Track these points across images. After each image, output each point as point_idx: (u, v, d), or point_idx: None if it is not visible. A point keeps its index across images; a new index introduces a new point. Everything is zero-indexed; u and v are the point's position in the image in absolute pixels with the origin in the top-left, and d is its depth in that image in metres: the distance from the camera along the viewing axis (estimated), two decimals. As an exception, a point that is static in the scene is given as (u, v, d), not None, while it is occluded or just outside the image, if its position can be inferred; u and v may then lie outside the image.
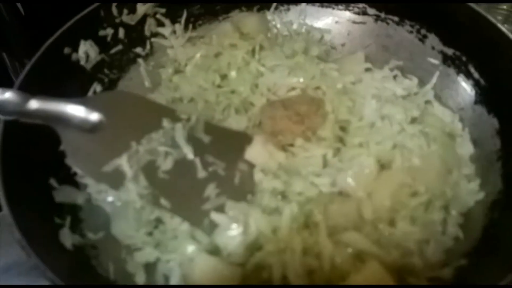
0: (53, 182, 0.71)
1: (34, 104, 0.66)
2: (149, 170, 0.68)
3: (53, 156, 0.71)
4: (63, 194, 0.71)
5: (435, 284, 0.61)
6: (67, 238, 0.65)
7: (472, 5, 0.82)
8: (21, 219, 0.58)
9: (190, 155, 0.72)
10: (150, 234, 0.69)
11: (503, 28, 0.78)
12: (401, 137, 0.76)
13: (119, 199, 0.72)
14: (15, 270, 0.74)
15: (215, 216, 0.67)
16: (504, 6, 1.15)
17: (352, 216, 0.66)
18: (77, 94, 0.80)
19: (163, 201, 0.67)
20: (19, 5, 1.01)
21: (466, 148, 0.77)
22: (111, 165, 0.66)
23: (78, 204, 0.72)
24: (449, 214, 0.69)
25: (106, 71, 0.89)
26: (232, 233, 0.65)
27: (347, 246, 0.63)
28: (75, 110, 0.69)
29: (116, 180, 0.66)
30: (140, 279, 0.65)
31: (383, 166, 0.73)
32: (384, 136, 0.76)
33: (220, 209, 0.68)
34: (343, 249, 0.63)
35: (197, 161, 0.72)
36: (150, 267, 0.67)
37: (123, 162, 0.67)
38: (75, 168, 0.66)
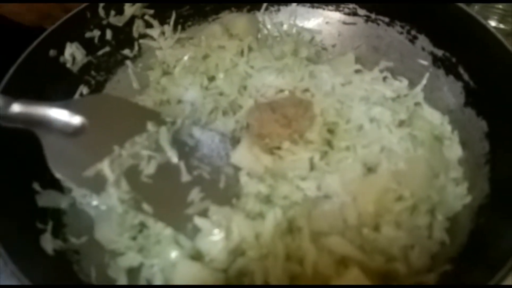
0: (36, 186, 0.70)
1: (16, 108, 0.66)
2: (132, 174, 0.68)
3: (37, 160, 0.70)
4: (46, 199, 0.70)
5: (436, 284, 0.60)
6: (48, 243, 0.64)
7: (463, 6, 0.81)
8: (0, 225, 0.58)
9: (174, 158, 0.72)
10: (133, 238, 0.69)
11: (494, 30, 0.77)
12: (388, 140, 0.75)
13: (103, 203, 0.71)
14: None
15: (198, 221, 0.66)
16: (500, 6, 1.14)
17: (336, 221, 0.65)
18: (63, 96, 0.80)
19: (145, 206, 0.66)
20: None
21: (454, 151, 0.76)
22: (93, 170, 0.66)
23: (62, 209, 0.71)
24: (435, 219, 0.68)
25: (93, 73, 0.88)
26: (215, 238, 0.64)
27: (330, 251, 0.63)
28: (58, 114, 0.69)
29: (97, 184, 0.66)
30: (122, 283, 0.65)
31: (369, 169, 0.73)
32: (372, 139, 0.76)
33: (204, 213, 0.68)
34: (327, 254, 0.63)
35: (182, 165, 0.72)
36: (132, 272, 0.66)
37: (104, 167, 0.66)
38: (55, 173, 0.65)
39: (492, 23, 1.14)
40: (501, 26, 1.13)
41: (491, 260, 0.58)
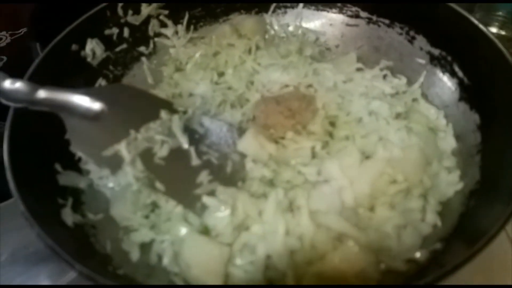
0: (57, 166, 0.76)
1: (42, 93, 0.72)
2: (146, 156, 0.73)
3: (59, 143, 0.76)
4: (66, 178, 0.76)
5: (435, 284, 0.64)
6: (69, 217, 0.70)
7: (458, 8, 0.86)
8: (26, 195, 0.63)
9: (185, 144, 0.77)
10: (146, 217, 0.74)
11: (486, 30, 0.81)
12: (386, 131, 0.80)
13: (119, 184, 0.77)
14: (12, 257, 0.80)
15: (206, 199, 0.71)
16: (500, 13, 1.19)
17: (334, 201, 0.70)
18: (83, 87, 0.86)
19: (158, 185, 0.72)
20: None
21: (448, 143, 0.81)
22: (111, 150, 0.72)
23: (80, 188, 0.77)
24: (428, 203, 0.72)
25: (111, 67, 0.95)
26: (221, 214, 0.69)
27: (327, 228, 0.67)
28: (80, 100, 0.74)
29: (115, 163, 0.71)
30: (135, 256, 0.70)
31: (367, 157, 0.77)
32: (370, 130, 0.80)
33: (212, 193, 0.73)
34: (324, 231, 0.67)
35: (192, 150, 0.77)
36: (144, 246, 0.71)
37: (122, 148, 0.72)
38: (78, 152, 0.71)
39: (493, 30, 1.20)
40: (502, 32, 1.18)
41: (475, 238, 0.61)
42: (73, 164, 0.78)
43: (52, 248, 0.57)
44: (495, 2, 1.16)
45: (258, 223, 0.68)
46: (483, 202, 0.70)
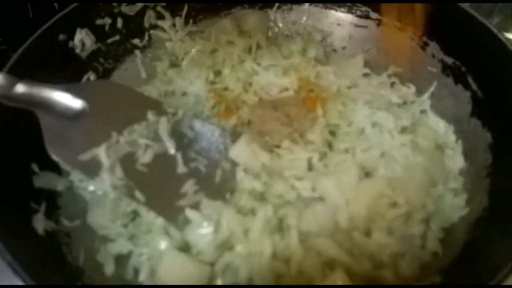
0: (34, 167, 0.71)
1: (20, 88, 0.67)
2: (127, 161, 0.68)
3: (38, 141, 0.71)
4: (43, 180, 0.71)
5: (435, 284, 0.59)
6: (40, 223, 0.65)
7: (476, 14, 0.79)
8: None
9: (171, 149, 0.72)
10: (125, 226, 0.70)
11: (506, 41, 0.75)
12: (389, 146, 0.74)
13: (100, 188, 0.72)
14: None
15: (189, 213, 0.66)
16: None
17: (327, 222, 0.65)
18: (69, 81, 0.80)
19: (137, 194, 0.67)
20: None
21: (456, 161, 0.75)
22: (89, 154, 0.67)
23: (57, 191, 0.72)
24: (429, 228, 0.67)
25: (101, 60, 0.89)
26: (203, 231, 0.65)
27: (318, 252, 0.62)
28: (60, 97, 0.70)
29: (92, 169, 0.67)
30: (109, 270, 0.65)
31: (367, 174, 0.72)
32: (372, 143, 0.75)
33: (196, 205, 0.68)
34: (314, 255, 0.62)
35: (179, 156, 0.72)
36: (121, 259, 0.67)
37: (100, 152, 0.67)
38: (51, 154, 0.66)
39: (511, 36, 1.13)
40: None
41: (481, 274, 0.56)
42: (52, 164, 0.73)
43: (13, 268, 0.52)
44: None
45: (243, 242, 0.63)
46: (491, 232, 0.64)
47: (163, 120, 0.74)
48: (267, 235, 0.63)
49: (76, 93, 0.70)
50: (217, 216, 0.65)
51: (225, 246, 0.64)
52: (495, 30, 0.76)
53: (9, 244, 0.54)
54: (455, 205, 0.70)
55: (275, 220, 0.65)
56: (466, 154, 0.76)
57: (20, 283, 0.70)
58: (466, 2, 0.79)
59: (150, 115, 0.74)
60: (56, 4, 1.00)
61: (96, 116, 0.70)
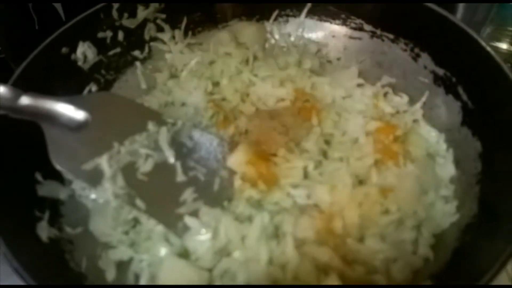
0: (38, 176, 0.73)
1: (25, 100, 0.69)
2: (129, 171, 0.70)
3: (42, 151, 0.73)
4: (46, 189, 0.73)
5: (436, 284, 0.60)
6: (44, 231, 0.67)
7: (466, 28, 0.81)
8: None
9: (171, 158, 0.74)
10: (126, 233, 0.71)
11: (494, 53, 0.77)
12: (382, 155, 0.76)
13: (102, 196, 0.74)
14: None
15: (188, 220, 0.68)
16: (504, 46, 1.15)
17: (322, 230, 0.67)
18: (72, 93, 0.83)
19: (138, 202, 0.68)
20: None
21: (447, 169, 0.77)
22: (91, 164, 0.69)
23: (60, 199, 0.74)
24: (421, 235, 0.69)
25: (103, 72, 0.91)
26: (202, 238, 0.67)
27: (313, 259, 0.64)
28: (64, 109, 0.72)
29: (94, 178, 0.68)
30: (111, 275, 0.67)
31: (360, 182, 0.74)
32: (365, 152, 0.77)
33: (195, 213, 0.70)
34: (309, 261, 0.64)
35: (178, 165, 0.74)
36: (122, 266, 0.69)
37: (103, 162, 0.69)
38: (55, 165, 0.68)
39: (504, 46, 1.15)
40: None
41: (469, 278, 0.58)
42: (55, 174, 0.75)
43: (19, 273, 0.54)
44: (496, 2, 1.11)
45: (240, 249, 0.65)
46: (480, 237, 0.66)
47: (163, 130, 0.76)
48: (263, 241, 0.65)
49: (79, 105, 0.72)
50: (215, 223, 0.67)
51: (223, 252, 0.66)
52: (483, 43, 0.78)
53: (15, 250, 0.56)
54: (446, 212, 0.72)
55: (271, 227, 0.67)
56: (457, 163, 0.78)
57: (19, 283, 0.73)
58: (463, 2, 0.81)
59: (151, 126, 0.76)
60: (61, 12, 1.03)
61: (98, 127, 0.72)
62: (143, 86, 0.95)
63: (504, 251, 0.57)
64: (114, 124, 0.74)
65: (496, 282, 0.56)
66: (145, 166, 0.71)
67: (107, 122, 0.73)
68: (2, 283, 0.72)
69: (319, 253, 0.64)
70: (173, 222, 0.69)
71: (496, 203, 0.68)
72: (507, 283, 0.74)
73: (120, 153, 0.71)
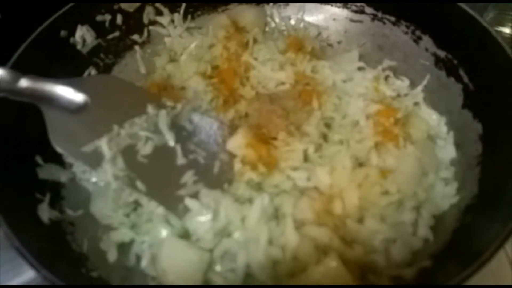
0: (38, 159, 0.73)
1: (24, 82, 0.69)
2: (128, 153, 0.70)
3: (41, 134, 0.73)
4: (47, 172, 0.73)
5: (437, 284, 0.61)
6: (45, 213, 0.67)
7: (468, 9, 0.81)
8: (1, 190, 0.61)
9: (171, 141, 0.74)
10: (127, 215, 0.72)
11: (496, 35, 0.77)
12: (382, 137, 0.76)
13: (102, 179, 0.74)
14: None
15: (188, 202, 0.68)
16: (507, 31, 1.13)
17: (321, 211, 0.67)
18: (71, 76, 0.82)
19: (139, 184, 0.69)
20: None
21: (447, 152, 0.77)
22: (91, 146, 0.69)
23: (61, 182, 0.74)
24: (420, 216, 0.69)
25: (102, 56, 0.91)
26: (202, 219, 0.67)
27: (312, 239, 0.64)
28: (63, 91, 0.71)
29: (94, 160, 0.68)
30: (112, 256, 0.68)
31: (360, 164, 0.74)
32: (366, 135, 0.77)
33: (195, 195, 0.70)
34: (308, 242, 0.64)
35: (178, 148, 0.74)
36: (123, 247, 0.69)
37: (102, 144, 0.69)
38: (55, 146, 0.68)
39: (507, 30, 1.14)
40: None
41: (471, 259, 0.58)
42: (55, 157, 0.75)
43: (19, 251, 0.54)
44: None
45: (240, 229, 0.66)
46: (480, 218, 0.66)
47: (163, 113, 0.76)
48: (263, 222, 0.65)
49: (78, 87, 0.72)
50: (216, 205, 0.67)
51: (223, 233, 0.66)
52: (485, 24, 0.78)
53: (17, 231, 0.56)
54: (446, 194, 0.72)
55: (271, 209, 0.68)
56: (458, 145, 0.78)
57: (19, 283, 0.74)
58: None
59: (150, 109, 0.76)
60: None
61: (97, 109, 0.71)
62: (142, 70, 0.94)
63: (503, 230, 0.58)
64: (114, 106, 0.74)
65: (496, 263, 0.55)
66: (145, 149, 0.72)
67: (106, 104, 0.73)
68: (2, 283, 0.73)
69: (319, 233, 0.64)
70: (173, 204, 0.69)
71: (496, 184, 0.68)
72: (507, 266, 0.74)
73: (120, 135, 0.71)
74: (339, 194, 0.68)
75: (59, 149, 0.68)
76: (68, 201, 0.73)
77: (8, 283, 0.72)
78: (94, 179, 0.76)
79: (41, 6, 0.85)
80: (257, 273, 0.63)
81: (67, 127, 0.69)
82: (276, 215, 0.68)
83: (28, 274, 0.69)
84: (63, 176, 0.75)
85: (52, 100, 0.70)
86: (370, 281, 0.62)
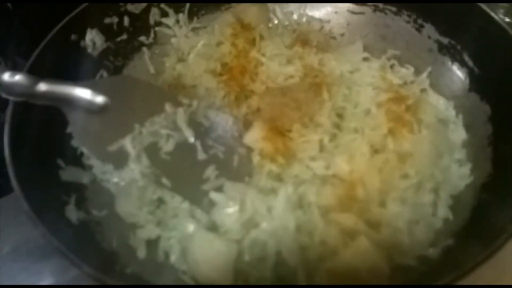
0: (60, 162, 0.74)
1: (42, 86, 0.70)
2: (152, 151, 0.72)
3: (61, 137, 0.74)
4: (69, 174, 0.74)
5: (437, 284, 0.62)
6: (73, 213, 0.68)
7: (467, -6, 0.83)
8: (29, 194, 0.61)
9: (191, 138, 0.75)
10: (152, 213, 0.72)
11: (497, 17, 0.80)
12: (395, 123, 0.78)
13: (123, 180, 0.75)
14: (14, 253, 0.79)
15: (213, 195, 0.70)
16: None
17: (344, 197, 0.69)
18: (84, 79, 0.83)
19: (164, 180, 0.70)
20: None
21: (458, 134, 0.80)
22: (116, 145, 0.70)
23: (83, 183, 0.75)
24: (439, 197, 0.71)
25: (111, 58, 0.92)
26: (229, 210, 0.68)
27: (338, 224, 0.66)
28: (82, 93, 0.72)
29: (120, 159, 0.70)
30: (142, 253, 0.68)
31: (376, 150, 0.76)
32: (379, 122, 0.79)
33: (219, 189, 0.71)
34: (334, 227, 0.66)
35: (198, 144, 0.75)
36: (151, 243, 0.70)
37: (126, 143, 0.70)
38: (82, 148, 0.69)
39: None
40: (507, 19, 1.15)
41: (491, 234, 0.60)
42: (75, 159, 0.76)
43: (60, 250, 0.55)
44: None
45: (267, 219, 0.67)
46: (496, 195, 0.69)
47: (180, 111, 0.77)
48: (289, 211, 0.67)
49: (97, 89, 0.73)
50: (241, 196, 0.69)
51: (251, 223, 0.68)
52: (487, 9, 0.81)
53: (53, 230, 0.57)
54: (461, 175, 0.74)
55: (296, 197, 0.69)
56: (468, 127, 0.80)
57: (19, 283, 0.75)
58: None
59: (167, 107, 0.77)
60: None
61: (118, 110, 0.73)
62: (152, 71, 0.95)
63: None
64: (133, 106, 0.75)
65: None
66: (167, 146, 0.73)
67: (126, 104, 0.74)
68: (2, 283, 0.74)
69: (344, 219, 0.66)
70: (199, 198, 0.70)
71: (508, 161, 0.71)
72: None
73: (142, 134, 0.72)
74: (360, 179, 0.70)
75: (85, 151, 0.69)
76: (92, 201, 0.73)
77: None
78: (115, 179, 0.77)
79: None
80: (288, 260, 0.64)
81: (90, 128, 0.70)
82: (300, 204, 0.69)
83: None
84: (84, 178, 0.75)
85: (72, 102, 0.71)
86: (396, 262, 0.64)
